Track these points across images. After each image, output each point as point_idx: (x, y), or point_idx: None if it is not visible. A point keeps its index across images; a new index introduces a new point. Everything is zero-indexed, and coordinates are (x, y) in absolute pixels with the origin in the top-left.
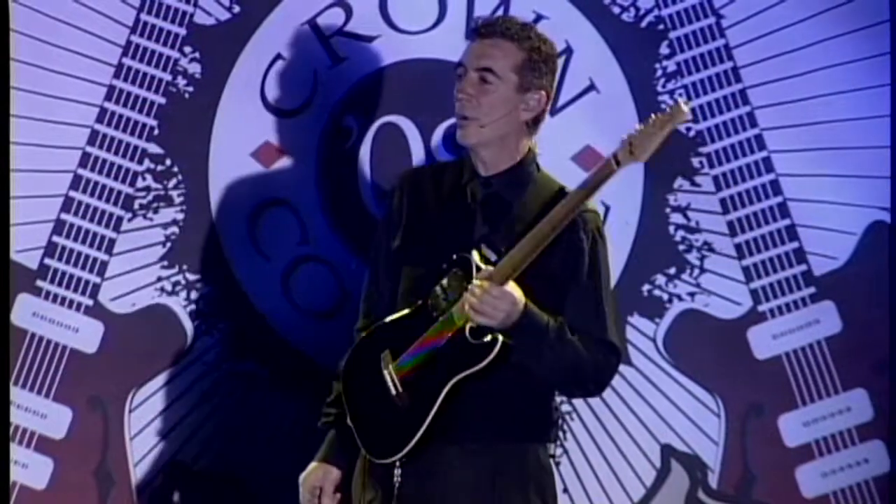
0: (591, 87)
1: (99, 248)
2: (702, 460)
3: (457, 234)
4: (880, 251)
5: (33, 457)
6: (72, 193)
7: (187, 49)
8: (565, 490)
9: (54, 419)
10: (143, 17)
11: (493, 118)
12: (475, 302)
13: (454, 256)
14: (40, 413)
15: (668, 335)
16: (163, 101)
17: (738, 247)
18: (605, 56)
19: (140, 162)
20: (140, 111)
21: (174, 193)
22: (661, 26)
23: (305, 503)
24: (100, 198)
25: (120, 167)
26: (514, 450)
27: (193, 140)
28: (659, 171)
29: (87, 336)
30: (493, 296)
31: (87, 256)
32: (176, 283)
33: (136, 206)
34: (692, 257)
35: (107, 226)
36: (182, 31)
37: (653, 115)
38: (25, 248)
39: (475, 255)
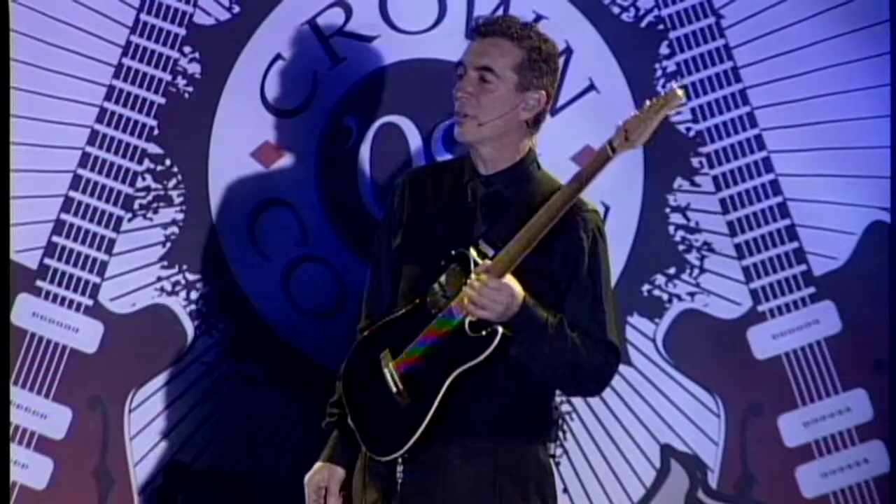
0: (591, 87)
1: (99, 249)
2: (701, 460)
3: (457, 233)
4: (880, 251)
5: (33, 457)
6: (72, 193)
7: (187, 49)
8: (565, 490)
9: (54, 419)
10: (143, 17)
11: (491, 117)
12: (474, 295)
13: (451, 253)
14: (40, 413)
15: (667, 335)
16: (162, 101)
17: (737, 247)
18: (604, 56)
19: (140, 162)
20: (140, 111)
21: (174, 193)
22: (661, 26)
23: (311, 503)
24: (100, 198)
25: (120, 167)
26: (515, 449)
27: (193, 140)
28: (659, 172)
29: (86, 336)
30: (491, 288)
31: (86, 256)
32: (176, 284)
33: (135, 206)
34: (692, 257)
35: (107, 226)
36: (182, 32)
37: (647, 101)
38: (25, 248)
39: (472, 252)
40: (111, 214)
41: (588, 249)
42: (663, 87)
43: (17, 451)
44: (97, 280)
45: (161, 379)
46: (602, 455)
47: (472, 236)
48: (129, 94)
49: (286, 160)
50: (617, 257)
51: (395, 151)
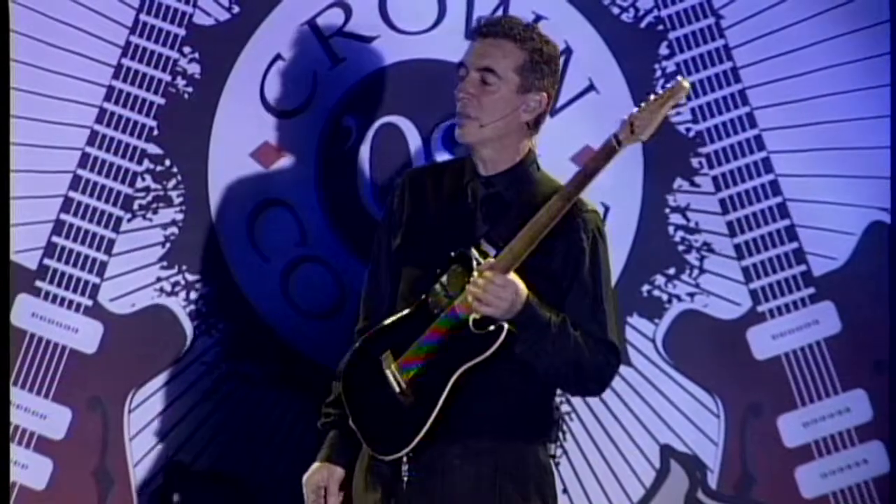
0: (591, 88)
1: (98, 249)
2: (701, 461)
3: (458, 234)
4: (880, 252)
5: (33, 457)
6: (71, 194)
7: (187, 49)
8: (565, 490)
9: (54, 419)
10: (143, 17)
11: (493, 118)
12: (478, 292)
13: (452, 253)
14: (40, 413)
15: (667, 336)
16: (162, 101)
17: (737, 247)
18: (604, 56)
19: (139, 162)
20: (139, 112)
21: (173, 194)
22: (661, 27)
23: (310, 503)
24: (99, 198)
25: (119, 168)
26: (515, 449)
27: (193, 140)
28: (658, 172)
29: (86, 336)
30: (496, 285)
31: (86, 257)
32: (175, 284)
33: (135, 206)
34: (692, 258)
35: (106, 226)
36: (181, 32)
37: (652, 95)
38: (25, 248)
39: (474, 251)
40: (111, 215)
41: (588, 250)
42: (663, 87)
43: (16, 452)
44: (97, 280)
45: (161, 379)
46: (602, 455)
47: (472, 237)
48: (128, 94)
49: (286, 161)
50: (616, 257)
51: (395, 152)
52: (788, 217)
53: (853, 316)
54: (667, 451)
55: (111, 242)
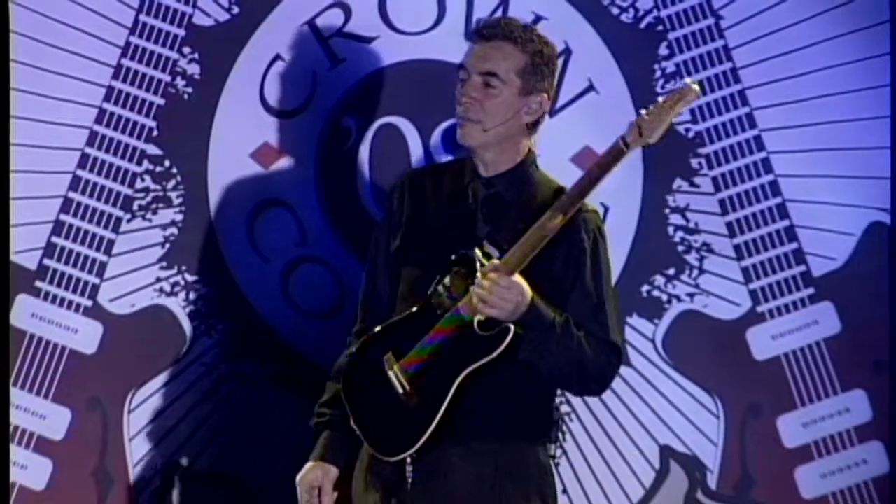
0: (590, 88)
1: (98, 249)
2: (701, 461)
3: (458, 235)
4: (879, 252)
5: (32, 458)
6: (71, 194)
7: (186, 50)
8: (564, 491)
9: (53, 420)
10: (142, 17)
11: (496, 122)
12: (483, 293)
13: (454, 255)
14: (39, 414)
15: (667, 336)
16: (162, 102)
17: (737, 248)
18: (604, 57)
19: (139, 163)
20: (139, 112)
21: (173, 194)
22: (661, 27)
23: (304, 503)
24: (99, 199)
25: (119, 168)
26: (516, 449)
27: (192, 141)
28: (658, 172)
29: (86, 337)
30: (502, 286)
31: (86, 257)
32: (175, 284)
33: (135, 206)
34: (691, 258)
35: (106, 227)
36: (181, 32)
37: (661, 97)
38: (24, 248)
39: (477, 252)
40: (110, 215)
41: (590, 250)
42: (662, 87)
43: (16, 452)
44: (96, 281)
45: (160, 380)
46: (601, 456)
47: (473, 237)
48: (128, 94)
49: (285, 161)
50: (616, 258)
51: (395, 152)
52: (788, 217)
53: (853, 316)
54: (666, 452)
55: (111, 243)
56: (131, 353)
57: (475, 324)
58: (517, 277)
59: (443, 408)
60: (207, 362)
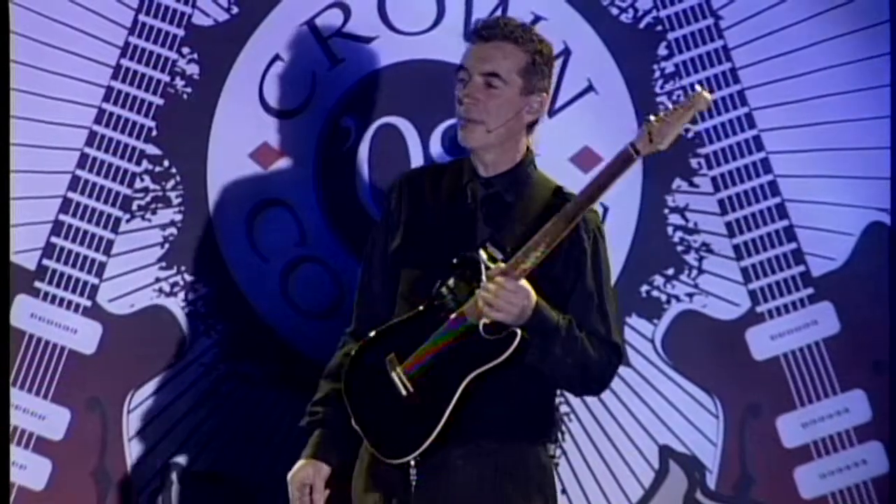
0: (590, 89)
1: (97, 250)
2: (700, 461)
3: (458, 235)
4: (879, 252)
5: (32, 458)
6: (70, 195)
7: (185, 50)
8: (563, 491)
9: (53, 420)
10: (142, 18)
11: (499, 122)
12: (489, 297)
13: (456, 259)
14: (39, 414)
15: (666, 336)
16: (161, 102)
17: (736, 248)
18: (603, 57)
19: (138, 163)
20: (138, 112)
21: (172, 194)
22: (660, 27)
23: (295, 500)
24: (98, 199)
25: (118, 168)
26: (517, 449)
27: (192, 141)
28: (657, 172)
29: (85, 337)
30: (508, 290)
31: (85, 258)
32: (174, 284)
33: (134, 207)
34: (690, 258)
35: (105, 227)
36: (180, 33)
37: (671, 105)
38: (24, 249)
39: (483, 255)
40: (109, 215)
41: (590, 250)
42: (662, 87)
43: (15, 452)
44: (96, 281)
45: (159, 380)
46: (600, 456)
47: (473, 238)
48: (127, 94)
49: (285, 161)
50: (615, 258)
51: (394, 152)
52: (787, 217)
53: (852, 316)
54: (666, 452)
55: (110, 243)
56: (130, 353)
57: (480, 327)
58: (523, 282)
59: (448, 411)
60: (207, 362)
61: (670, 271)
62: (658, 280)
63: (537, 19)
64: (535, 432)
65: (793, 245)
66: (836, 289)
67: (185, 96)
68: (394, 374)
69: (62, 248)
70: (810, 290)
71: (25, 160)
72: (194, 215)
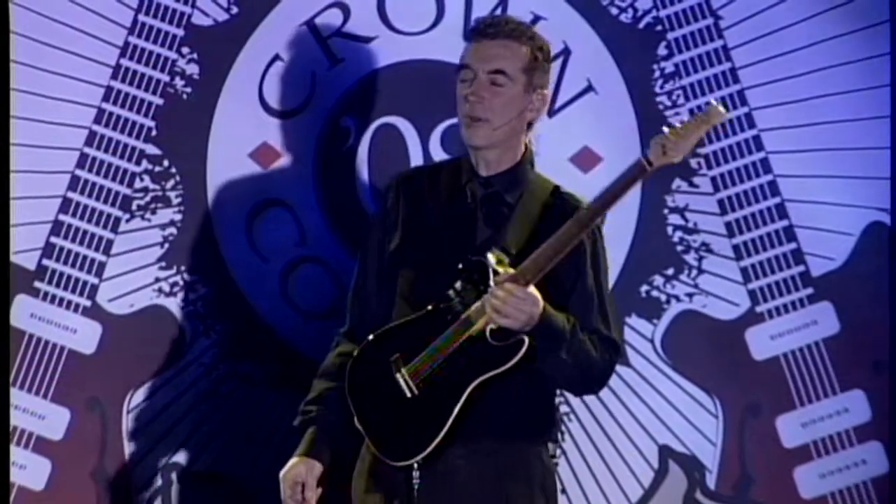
0: (589, 88)
1: (97, 250)
2: (700, 461)
3: (458, 236)
4: (878, 252)
5: (31, 458)
6: (70, 194)
7: (185, 50)
8: (563, 491)
9: (52, 420)
10: (141, 17)
11: (504, 120)
12: (498, 304)
13: (464, 262)
14: (38, 414)
15: (665, 336)
16: (160, 102)
17: (735, 248)
18: (603, 57)
19: (138, 163)
20: (138, 112)
21: (172, 194)
22: (659, 27)
23: (287, 498)
24: (97, 199)
25: (118, 168)
26: (519, 449)
27: (191, 141)
28: (657, 173)
29: (85, 337)
30: (517, 297)
31: (84, 257)
32: (174, 284)
33: (133, 207)
34: (690, 258)
35: (104, 227)
36: (180, 32)
37: (686, 118)
38: (23, 249)
39: (491, 258)
40: (109, 215)
41: (589, 250)
42: (661, 87)
43: (15, 452)
44: (95, 281)
45: (159, 380)
46: (600, 456)
47: (473, 238)
48: (127, 94)
49: (284, 161)
50: (615, 258)
51: (394, 152)
52: (787, 217)
53: (852, 316)
54: (665, 452)
55: (110, 243)
56: (130, 353)
57: (487, 333)
58: (531, 288)
59: (453, 415)
60: (206, 362)
61: (670, 271)
62: (658, 280)
63: (537, 19)
64: (537, 432)
65: (792, 245)
66: (836, 289)
67: (184, 96)
68: (398, 376)
69: (62, 248)
70: (810, 290)
71: (25, 160)
72: (194, 215)
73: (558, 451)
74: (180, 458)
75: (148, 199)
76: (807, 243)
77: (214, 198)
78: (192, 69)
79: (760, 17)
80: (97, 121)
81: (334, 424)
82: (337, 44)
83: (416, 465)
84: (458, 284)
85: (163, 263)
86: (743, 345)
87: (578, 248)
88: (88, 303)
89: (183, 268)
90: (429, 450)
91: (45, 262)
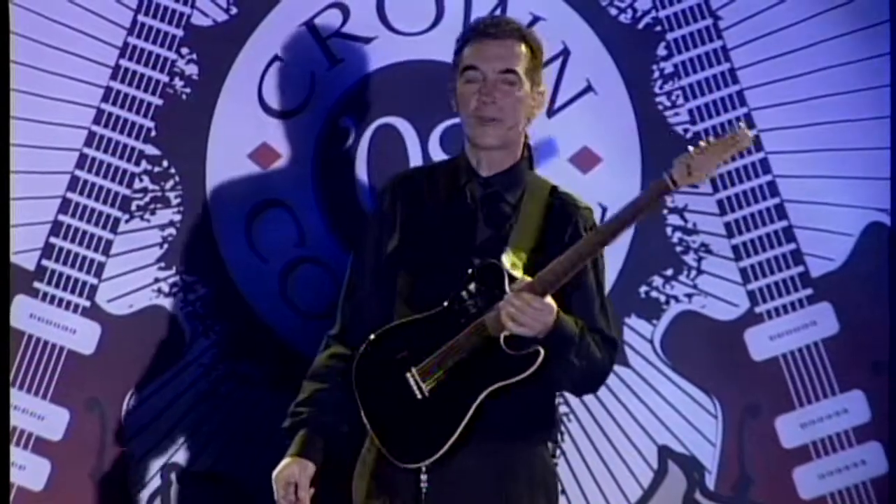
0: (589, 89)
1: (96, 250)
2: (699, 462)
3: (458, 236)
4: (878, 253)
5: (31, 458)
6: (69, 195)
7: (184, 50)
8: (563, 491)
9: (52, 421)
10: (141, 18)
11: (516, 119)
12: (515, 313)
13: (477, 264)
14: (38, 415)
15: (665, 337)
16: (160, 102)
17: (735, 248)
18: (602, 57)
19: (137, 163)
20: (137, 112)
21: (171, 195)
22: (659, 27)
23: (280, 498)
24: (97, 199)
25: (117, 169)
26: (522, 449)
27: (190, 141)
28: (656, 173)
29: (84, 337)
30: (535, 308)
31: (84, 258)
32: (173, 285)
33: (133, 207)
34: (689, 259)
35: (104, 227)
36: (179, 33)
37: (712, 138)
38: (23, 249)
39: (506, 261)
40: (108, 216)
41: None
42: (661, 88)
43: (14, 453)
44: (94, 281)
45: (158, 380)
46: (599, 456)
47: (473, 239)
48: (126, 95)
49: (284, 161)
50: (614, 259)
51: (393, 153)
52: (786, 218)
53: (851, 317)
54: (664, 452)
55: (109, 243)
56: (129, 353)
57: (501, 340)
58: (548, 298)
59: (465, 420)
60: (206, 363)
61: (669, 272)
62: (657, 281)
63: (536, 19)
64: (538, 432)
65: (792, 245)
66: (836, 289)
67: (184, 97)
68: (408, 375)
69: (61, 249)
70: (809, 291)
71: (25, 161)
72: (193, 216)
73: (557, 452)
74: (179, 458)
75: (147, 199)
76: (806, 244)
77: (214, 198)
78: (192, 70)
79: (760, 17)
80: (97, 121)
81: (326, 426)
82: (336, 44)
83: (423, 469)
84: (471, 286)
85: (162, 264)
86: (742, 345)
87: None
88: (88, 303)
89: (182, 268)
90: (440, 453)
91: (45, 262)
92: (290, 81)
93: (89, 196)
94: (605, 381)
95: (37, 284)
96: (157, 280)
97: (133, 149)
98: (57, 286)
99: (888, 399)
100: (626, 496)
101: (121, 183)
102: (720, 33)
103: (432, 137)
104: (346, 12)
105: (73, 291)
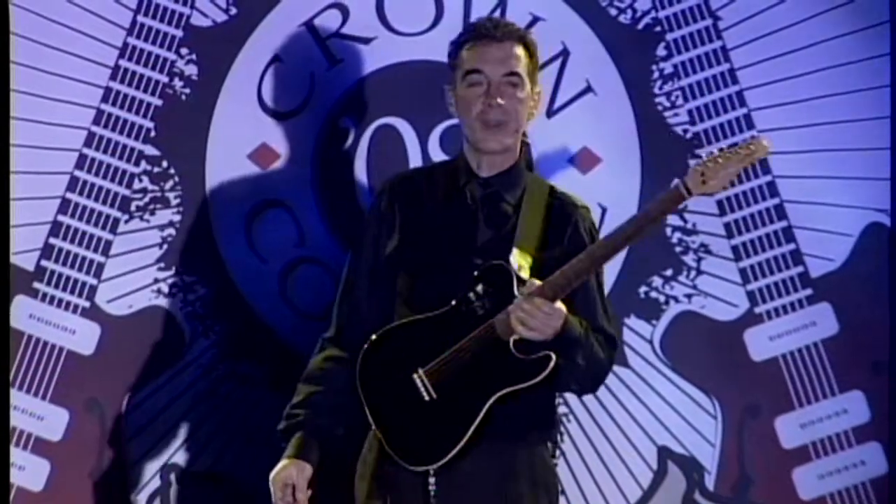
0: (588, 89)
1: (96, 250)
2: (698, 462)
3: (458, 237)
4: (878, 253)
5: (30, 459)
6: (68, 195)
7: (184, 51)
8: (562, 492)
9: (51, 421)
10: (140, 18)
11: (521, 121)
12: (525, 317)
13: (485, 265)
14: (37, 415)
15: (664, 337)
16: (159, 102)
17: (734, 248)
18: (601, 58)
19: (137, 164)
20: (137, 113)
21: (171, 195)
22: (658, 28)
23: (277, 500)
24: (96, 200)
25: (116, 169)
26: (523, 450)
27: (190, 142)
28: (656, 173)
29: (83, 338)
30: (545, 313)
31: (83, 258)
32: (173, 285)
33: (132, 207)
34: (689, 259)
35: (103, 228)
36: (179, 33)
37: (727, 148)
38: (22, 249)
39: (514, 263)
40: (108, 216)
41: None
42: (660, 88)
43: (13, 453)
44: (94, 282)
45: (158, 381)
46: (599, 457)
47: (474, 239)
48: (125, 95)
49: (283, 162)
50: (614, 259)
51: (392, 153)
52: (786, 218)
53: (851, 317)
54: (664, 453)
55: (108, 244)
56: (129, 354)
57: (511, 344)
58: (559, 303)
59: (475, 424)
60: (205, 363)
61: (669, 272)
62: (656, 281)
63: (536, 20)
64: (539, 432)
65: (791, 246)
66: (835, 290)
67: (183, 97)
68: (415, 377)
69: (61, 249)
70: (809, 291)
71: (25, 161)
72: (193, 216)
73: (557, 452)
74: (179, 458)
75: (147, 199)
76: (806, 244)
77: (213, 199)
78: (191, 70)
79: (760, 17)
80: (96, 122)
81: (321, 429)
82: (336, 44)
83: (431, 472)
84: (479, 288)
85: (162, 264)
86: (742, 346)
87: (579, 248)
88: (87, 304)
89: (182, 269)
90: (449, 456)
91: (44, 262)
92: (289, 82)
93: (89, 196)
94: (605, 379)
95: (36, 285)
96: (156, 280)
97: (133, 149)
98: (56, 287)
99: (888, 399)
100: (626, 497)
101: (120, 183)
102: (720, 34)
103: (432, 138)
104: (345, 13)
105: (72, 292)
